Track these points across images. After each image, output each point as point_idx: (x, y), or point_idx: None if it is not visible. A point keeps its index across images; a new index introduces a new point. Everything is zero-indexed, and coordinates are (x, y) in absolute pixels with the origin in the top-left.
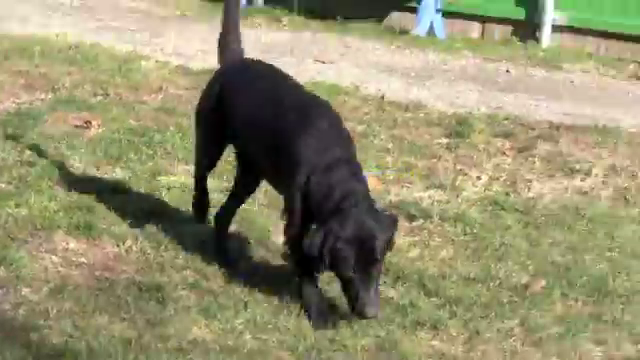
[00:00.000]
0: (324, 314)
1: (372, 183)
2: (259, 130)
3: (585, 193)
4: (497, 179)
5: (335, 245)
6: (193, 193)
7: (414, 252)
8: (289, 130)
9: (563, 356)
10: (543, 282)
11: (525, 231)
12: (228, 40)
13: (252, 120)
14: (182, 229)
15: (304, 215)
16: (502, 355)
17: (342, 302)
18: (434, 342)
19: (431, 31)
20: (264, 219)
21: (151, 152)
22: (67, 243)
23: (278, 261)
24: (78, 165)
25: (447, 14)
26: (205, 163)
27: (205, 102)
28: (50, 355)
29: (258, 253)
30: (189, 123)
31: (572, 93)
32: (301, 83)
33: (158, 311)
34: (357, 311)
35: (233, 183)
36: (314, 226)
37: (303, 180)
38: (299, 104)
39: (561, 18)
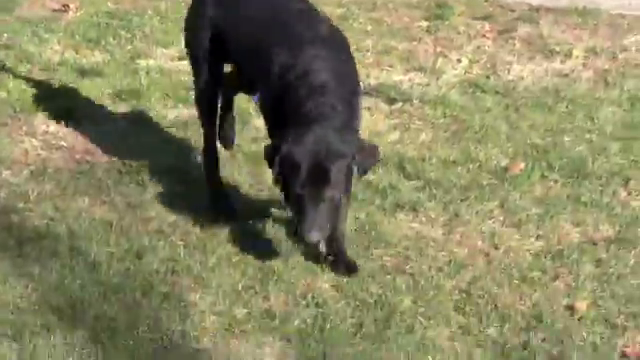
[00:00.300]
0: None
1: None
2: (249, 48)
3: (565, 75)
4: (477, 62)
5: (287, 153)
6: (204, 143)
7: (394, 135)
8: (270, 45)
9: (542, 237)
10: (522, 164)
11: (505, 113)
12: None
13: (245, 39)
14: (161, 112)
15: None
16: (481, 237)
17: None
18: (414, 224)
19: None
20: (246, 103)
21: (130, 36)
22: (47, 126)
23: (258, 145)
24: (57, 48)
25: None
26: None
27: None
28: (31, 237)
29: (239, 137)
30: (167, 6)
31: None
32: None
33: (138, 194)
34: (299, 234)
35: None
36: None
37: (271, 93)
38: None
39: None
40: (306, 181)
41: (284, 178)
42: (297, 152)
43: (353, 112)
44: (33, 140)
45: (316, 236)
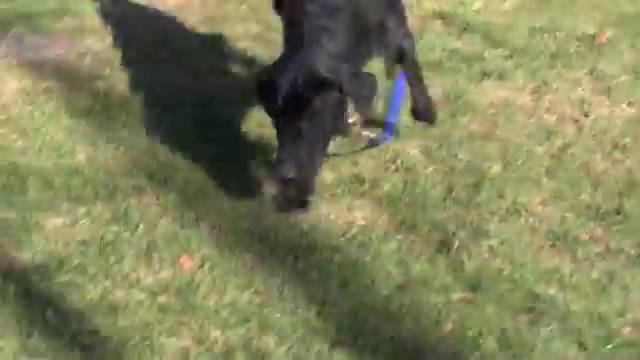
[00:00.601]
0: None
1: None
2: None
3: None
4: None
5: (267, 80)
6: None
7: (478, 4)
8: None
9: (633, 104)
10: (610, 32)
11: None
12: None
13: None
14: None
15: None
16: (570, 104)
17: None
18: (501, 92)
19: None
20: None
21: None
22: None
23: None
24: None
25: None
26: None
27: None
28: (118, 103)
29: None
30: None
31: None
32: None
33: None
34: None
35: None
36: None
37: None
38: None
39: None
40: (281, 111)
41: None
42: (276, 78)
43: (359, 42)
44: (115, 8)
45: (285, 173)
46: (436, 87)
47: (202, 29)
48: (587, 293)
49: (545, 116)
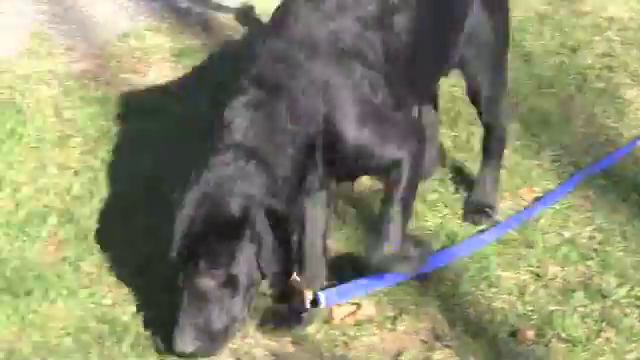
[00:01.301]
0: None
1: None
2: None
3: None
4: None
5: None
6: None
7: None
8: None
9: None
10: None
11: None
12: None
13: None
14: None
15: None
16: None
17: None
18: None
19: None
20: None
21: None
22: None
23: None
24: None
25: None
26: None
27: None
28: None
29: None
30: None
31: None
32: None
33: None
34: None
35: None
36: None
37: None
38: None
39: None
40: (177, 262)
41: None
42: (175, 213)
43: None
44: None
45: (186, 347)
46: None
47: None
48: None
49: None
